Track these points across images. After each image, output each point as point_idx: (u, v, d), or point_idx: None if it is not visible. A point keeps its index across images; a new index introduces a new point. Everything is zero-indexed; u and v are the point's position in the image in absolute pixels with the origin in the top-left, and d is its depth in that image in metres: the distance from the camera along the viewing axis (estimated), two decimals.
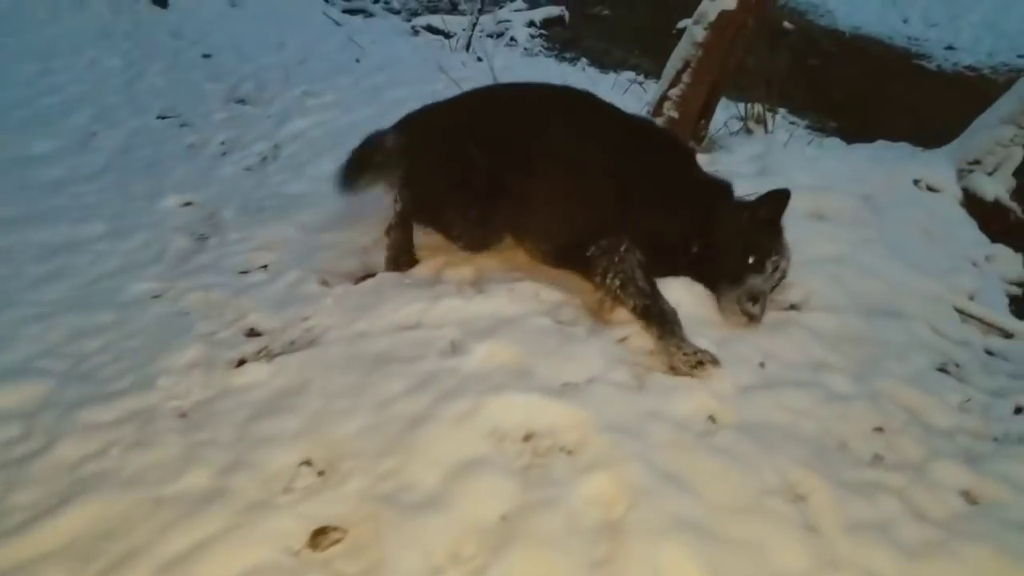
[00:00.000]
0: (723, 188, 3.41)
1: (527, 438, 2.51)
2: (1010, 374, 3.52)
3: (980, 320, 3.91)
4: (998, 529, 2.34)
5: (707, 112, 4.98)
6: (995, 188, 5.01)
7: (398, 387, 2.69)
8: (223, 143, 5.58)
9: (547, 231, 3.27)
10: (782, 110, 7.15)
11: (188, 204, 4.50)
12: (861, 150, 5.43)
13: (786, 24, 10.06)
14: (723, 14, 4.64)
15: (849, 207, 4.31)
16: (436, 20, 9.92)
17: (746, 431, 2.59)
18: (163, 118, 6.24)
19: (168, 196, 4.55)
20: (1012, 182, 5.09)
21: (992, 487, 2.59)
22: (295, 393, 2.68)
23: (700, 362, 2.74)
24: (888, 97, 7.36)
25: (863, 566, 2.16)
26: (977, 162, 5.10)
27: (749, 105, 5.23)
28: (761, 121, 5.18)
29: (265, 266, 3.69)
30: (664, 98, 4.93)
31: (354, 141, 3.57)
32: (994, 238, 4.91)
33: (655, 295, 2.94)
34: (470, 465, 2.35)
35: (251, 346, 3.01)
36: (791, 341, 3.11)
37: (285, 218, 4.11)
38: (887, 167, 4.92)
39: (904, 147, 5.55)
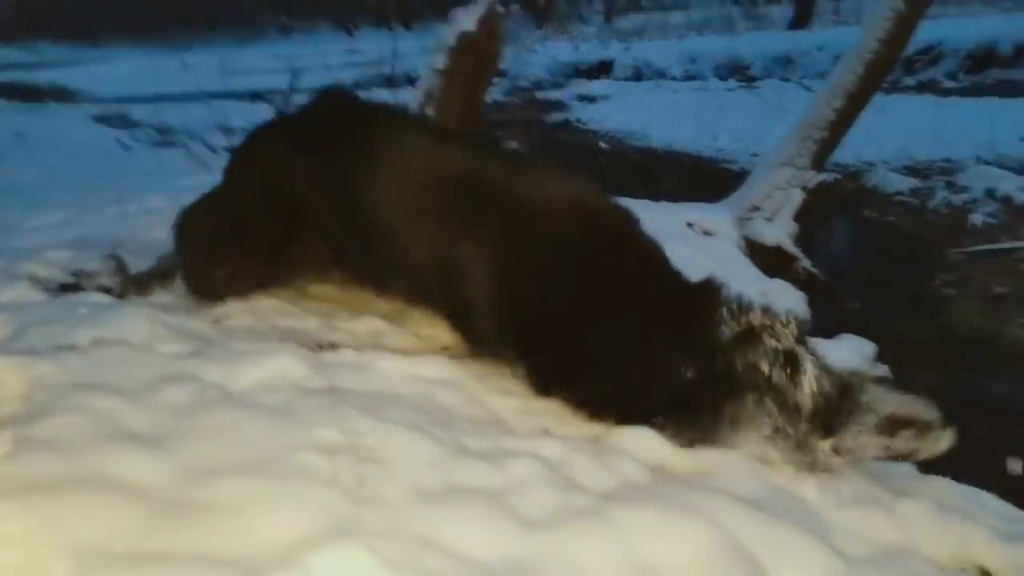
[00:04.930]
0: None
1: None
2: None
3: None
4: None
5: None
6: (776, 234, 4.62)
7: None
8: None
9: None
10: None
11: None
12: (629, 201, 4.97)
13: (601, 144, 10.25)
14: (463, 37, 4.22)
15: None
16: None
17: (325, 394, 1.71)
18: None
19: None
20: (794, 227, 4.74)
21: None
22: None
23: None
24: (685, 189, 7.29)
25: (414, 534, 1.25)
26: (756, 208, 4.75)
27: None
28: None
29: None
30: None
31: None
32: None
33: None
34: None
35: None
36: None
37: None
38: (653, 211, 4.45)
39: (686, 204, 5.16)
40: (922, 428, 1.79)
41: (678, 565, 1.32)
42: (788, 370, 1.78)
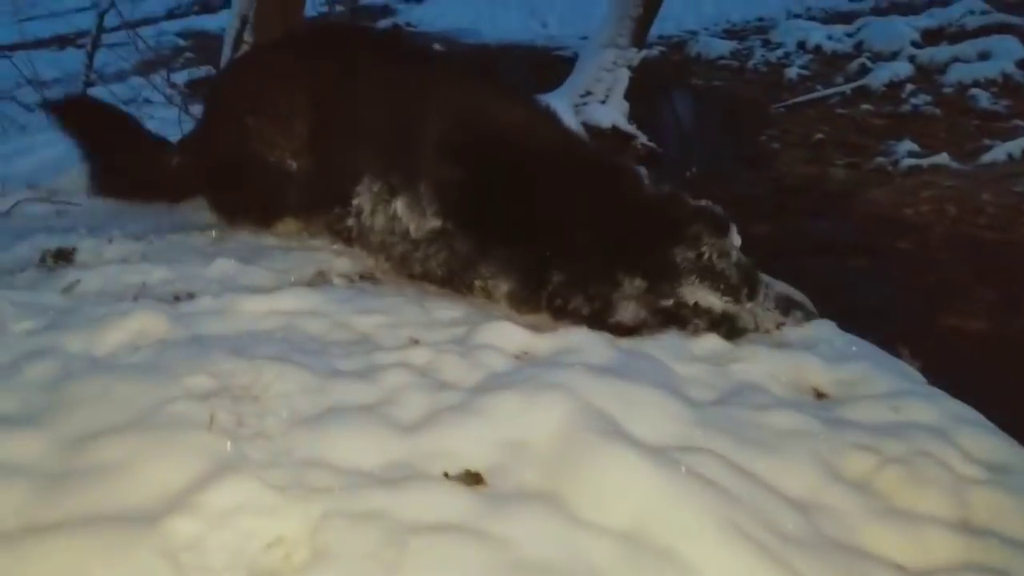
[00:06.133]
0: None
1: None
2: None
3: None
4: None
5: None
6: (611, 115, 4.81)
7: None
8: None
9: None
10: None
11: None
12: None
13: (436, 46, 10.05)
14: None
15: None
16: None
17: (189, 343, 1.72)
18: None
19: None
20: (626, 106, 4.94)
21: None
22: None
23: None
24: (524, 80, 7.39)
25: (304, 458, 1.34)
26: (589, 92, 4.91)
27: None
28: None
29: None
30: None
31: None
32: None
33: None
34: None
35: None
36: None
37: None
38: None
39: None
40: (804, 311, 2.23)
41: (543, 436, 1.47)
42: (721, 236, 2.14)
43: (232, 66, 2.97)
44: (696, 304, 2.10)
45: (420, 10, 12.96)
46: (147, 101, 6.23)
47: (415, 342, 1.91)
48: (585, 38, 8.79)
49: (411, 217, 2.29)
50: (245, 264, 2.20)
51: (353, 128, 2.41)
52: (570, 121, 4.79)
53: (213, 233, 2.48)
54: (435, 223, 2.28)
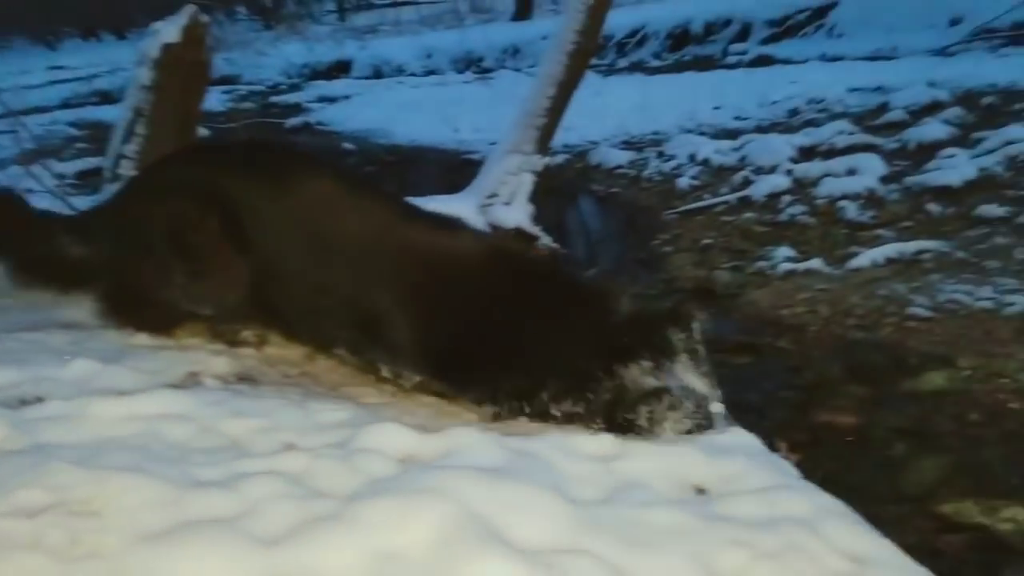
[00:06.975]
0: None
1: None
2: None
3: None
4: None
5: None
6: (515, 217, 4.93)
7: None
8: None
9: None
10: None
11: None
12: None
13: (345, 145, 10.19)
14: (168, 49, 3.99)
15: None
16: None
17: (28, 453, 1.56)
18: None
19: None
20: (530, 208, 5.08)
21: None
22: None
23: None
24: (432, 182, 7.55)
25: None
26: (494, 195, 5.04)
27: None
28: None
29: None
30: (120, 157, 4.05)
31: None
32: None
33: None
34: None
35: None
36: None
37: None
38: None
39: (430, 197, 5.32)
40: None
41: (418, 545, 1.39)
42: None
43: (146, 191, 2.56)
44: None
45: (332, 109, 13.14)
46: (28, 191, 5.95)
47: (291, 447, 1.80)
48: (494, 144, 9.11)
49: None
50: (107, 364, 2.05)
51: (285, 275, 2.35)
52: (476, 221, 4.88)
53: (75, 332, 2.31)
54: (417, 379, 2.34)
